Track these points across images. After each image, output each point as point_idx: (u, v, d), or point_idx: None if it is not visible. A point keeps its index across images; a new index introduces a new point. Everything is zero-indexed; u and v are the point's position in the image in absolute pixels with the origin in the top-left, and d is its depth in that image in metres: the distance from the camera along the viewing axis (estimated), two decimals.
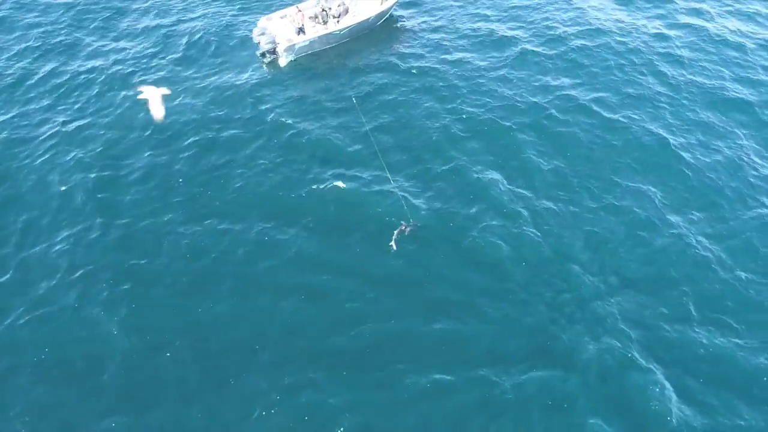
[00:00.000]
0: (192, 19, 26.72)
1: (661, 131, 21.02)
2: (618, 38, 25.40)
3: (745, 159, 20.16)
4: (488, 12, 27.25)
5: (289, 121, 21.44)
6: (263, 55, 24.22)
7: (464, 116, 21.64)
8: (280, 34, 24.28)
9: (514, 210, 18.31)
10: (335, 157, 20.10)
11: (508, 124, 21.30)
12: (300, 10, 24.59)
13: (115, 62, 24.27)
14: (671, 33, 25.78)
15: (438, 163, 19.90)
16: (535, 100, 22.32)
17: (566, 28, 26.03)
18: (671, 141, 20.62)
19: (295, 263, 16.93)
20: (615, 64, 24.09)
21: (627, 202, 18.68)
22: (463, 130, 21.09)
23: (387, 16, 26.12)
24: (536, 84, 23.17)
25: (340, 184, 18.96)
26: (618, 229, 17.95)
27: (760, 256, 17.30)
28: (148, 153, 20.33)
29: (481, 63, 24.14)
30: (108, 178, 19.49)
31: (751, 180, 19.50)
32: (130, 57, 24.56)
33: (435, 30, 26.16)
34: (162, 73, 23.74)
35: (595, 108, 21.97)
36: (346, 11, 25.20)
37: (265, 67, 24.14)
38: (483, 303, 16.05)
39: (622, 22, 26.51)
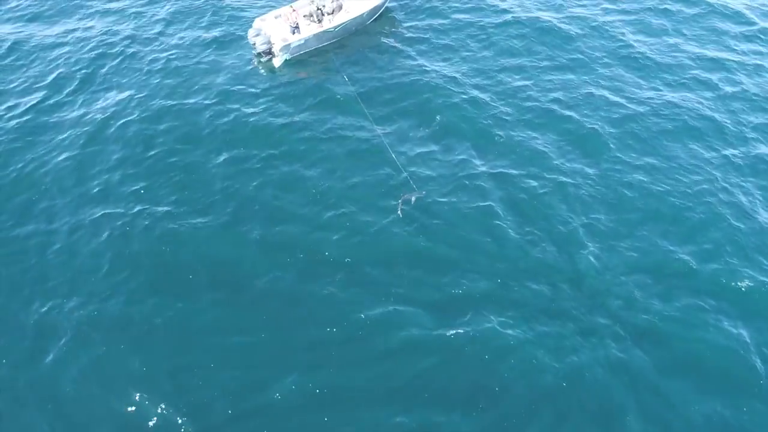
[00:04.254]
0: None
1: None
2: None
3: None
4: (481, 3, 27.26)
5: (293, 118, 21.45)
6: (259, 55, 24.21)
7: (465, 104, 21.62)
8: (275, 34, 24.30)
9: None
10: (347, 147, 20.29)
11: (510, 112, 21.32)
12: (294, 9, 24.65)
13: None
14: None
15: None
16: (535, 93, 22.30)
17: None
18: None
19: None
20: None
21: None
22: (467, 118, 21.09)
23: (381, 11, 26.16)
24: (538, 75, 23.19)
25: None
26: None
27: None
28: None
29: (477, 54, 24.03)
30: None
31: None
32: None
33: (428, 23, 26.12)
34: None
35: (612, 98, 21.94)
36: (340, 8, 25.23)
37: (260, 67, 24.07)
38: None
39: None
